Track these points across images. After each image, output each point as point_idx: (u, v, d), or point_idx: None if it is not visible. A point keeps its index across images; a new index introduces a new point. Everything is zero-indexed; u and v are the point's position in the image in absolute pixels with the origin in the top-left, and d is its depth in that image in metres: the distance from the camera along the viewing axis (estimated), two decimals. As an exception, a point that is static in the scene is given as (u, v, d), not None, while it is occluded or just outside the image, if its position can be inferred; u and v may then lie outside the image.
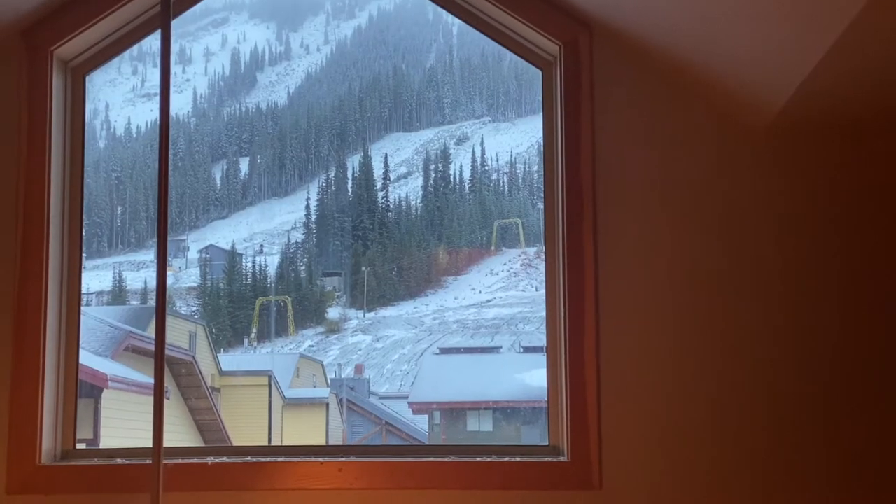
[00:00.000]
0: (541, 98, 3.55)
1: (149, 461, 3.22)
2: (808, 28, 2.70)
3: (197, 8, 3.65)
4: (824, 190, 3.33)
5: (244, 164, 69.86)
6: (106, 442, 12.51)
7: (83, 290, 3.60)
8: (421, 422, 26.73)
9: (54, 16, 3.39)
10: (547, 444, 3.41)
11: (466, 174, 60.32)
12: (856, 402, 3.28)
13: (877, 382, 3.27)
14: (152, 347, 3.35)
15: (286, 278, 48.62)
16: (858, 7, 2.44)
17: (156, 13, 3.47)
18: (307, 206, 57.32)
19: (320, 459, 3.30)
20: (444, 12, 3.76)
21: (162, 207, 3.26)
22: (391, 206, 57.02)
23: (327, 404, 24.30)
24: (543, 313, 3.49)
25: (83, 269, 3.57)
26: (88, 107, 3.64)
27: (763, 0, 2.76)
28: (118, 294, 45.81)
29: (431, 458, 3.32)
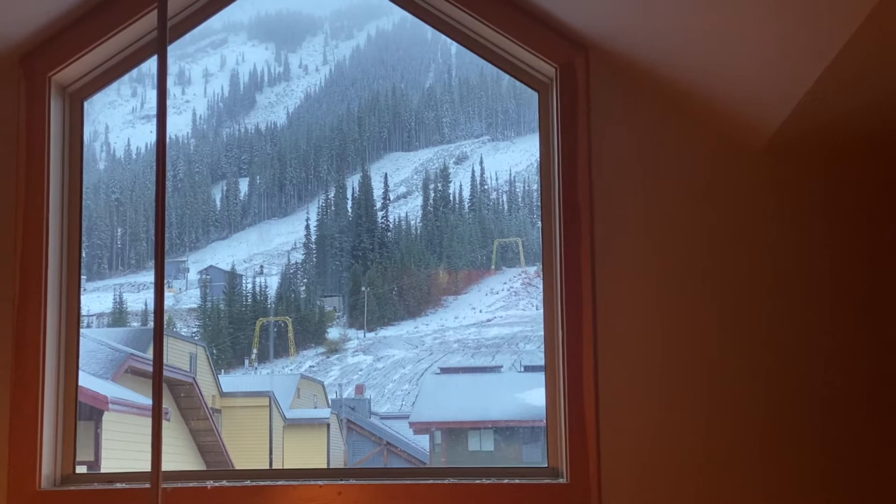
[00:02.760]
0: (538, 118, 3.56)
1: (148, 486, 3.21)
2: (804, 49, 2.71)
3: (195, 29, 3.65)
4: (820, 209, 3.33)
5: (244, 185, 69.96)
6: (107, 464, 12.49)
7: (83, 313, 3.61)
8: (422, 441, 26.71)
9: (51, 42, 3.40)
10: (546, 465, 3.40)
11: (466, 193, 60.43)
12: (853, 424, 3.28)
13: (871, 401, 3.27)
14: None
15: (286, 299, 48.63)
16: (853, 28, 2.45)
17: (153, 38, 3.48)
18: (307, 227, 57.38)
19: (319, 483, 3.30)
20: (442, 32, 3.76)
21: (159, 232, 3.26)
22: (391, 225, 57.07)
23: (328, 425, 24.30)
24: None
25: (83, 292, 3.57)
26: (88, 129, 3.64)
27: (759, 21, 2.78)
28: (119, 316, 45.82)
29: (430, 481, 3.32)
